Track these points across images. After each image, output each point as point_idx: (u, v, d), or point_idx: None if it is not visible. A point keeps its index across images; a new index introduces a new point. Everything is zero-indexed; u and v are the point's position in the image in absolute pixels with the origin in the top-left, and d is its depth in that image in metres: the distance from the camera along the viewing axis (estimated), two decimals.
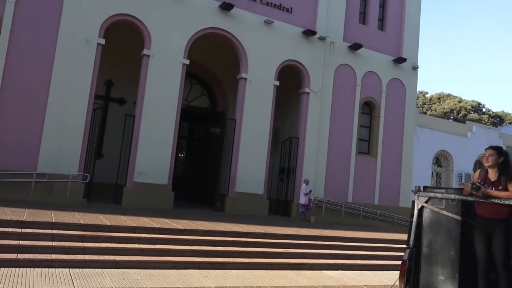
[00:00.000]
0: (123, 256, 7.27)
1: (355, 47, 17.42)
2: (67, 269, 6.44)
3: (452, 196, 4.98)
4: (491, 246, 4.65)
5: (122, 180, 13.38)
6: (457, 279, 4.81)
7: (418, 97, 45.96)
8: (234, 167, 14.89)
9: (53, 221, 7.87)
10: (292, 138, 16.70)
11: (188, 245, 8.28)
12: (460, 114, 42.46)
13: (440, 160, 21.83)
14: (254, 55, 15.33)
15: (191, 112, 17.92)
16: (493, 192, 4.61)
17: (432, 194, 5.21)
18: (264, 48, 15.54)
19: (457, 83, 78.83)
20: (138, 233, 8.32)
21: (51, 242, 7.16)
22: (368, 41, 17.98)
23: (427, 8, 65.76)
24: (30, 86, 12.02)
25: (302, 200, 15.29)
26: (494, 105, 74.80)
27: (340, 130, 17.10)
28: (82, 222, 8.11)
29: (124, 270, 6.82)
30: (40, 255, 6.67)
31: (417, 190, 5.41)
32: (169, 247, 7.96)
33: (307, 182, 15.42)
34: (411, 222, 5.35)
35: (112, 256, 7.16)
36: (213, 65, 17.48)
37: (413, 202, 5.42)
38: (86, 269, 6.60)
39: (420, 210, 5.30)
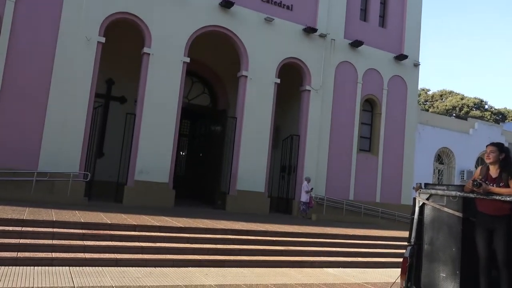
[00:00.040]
0: (124, 254, 7.27)
1: (356, 44, 17.36)
2: (67, 268, 6.44)
3: (453, 193, 4.95)
4: (493, 243, 4.63)
5: (123, 178, 13.39)
6: (458, 276, 4.79)
7: (420, 94, 45.82)
8: (235, 165, 14.89)
9: (54, 219, 7.88)
10: (293, 136, 16.68)
11: (188, 243, 8.28)
12: (463, 111, 42.33)
13: (442, 157, 21.76)
14: (254, 53, 15.29)
15: (192, 110, 17.91)
16: (495, 188, 4.58)
17: (433, 191, 5.19)
18: (265, 46, 15.50)
19: (460, 80, 78.65)
20: (138, 231, 8.31)
21: (51, 240, 7.16)
22: (369, 38, 17.92)
23: (428, 1, 65.44)
24: (31, 85, 12.02)
25: (304, 197, 15.28)
26: (496, 102, 74.60)
27: (341, 127, 17.06)
28: (82, 221, 8.12)
29: (125, 268, 6.82)
30: (40, 253, 6.67)
31: (418, 187, 5.39)
32: (169, 245, 7.96)
33: (308, 180, 15.40)
34: (412, 219, 5.33)
35: (113, 254, 7.16)
36: (213, 63, 17.46)
37: (414, 199, 5.40)
38: (87, 267, 6.60)
39: (421, 207, 5.28)
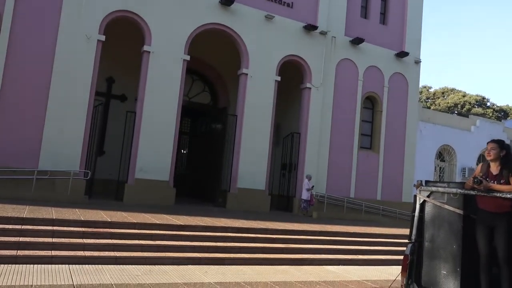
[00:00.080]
0: (123, 252, 7.27)
1: (356, 41, 17.31)
2: (66, 266, 6.44)
3: (454, 190, 4.94)
4: (493, 240, 4.61)
5: (123, 176, 13.40)
6: (459, 274, 4.78)
7: (421, 91, 45.71)
8: (236, 163, 14.88)
9: (53, 217, 7.89)
10: (293, 134, 16.66)
11: (188, 241, 8.28)
12: (464, 109, 42.22)
13: (443, 154, 21.71)
14: (255, 51, 15.26)
15: (193, 108, 17.90)
16: (495, 185, 4.57)
17: (434, 189, 5.17)
18: (265, 43, 15.47)
19: (461, 78, 78.42)
20: (138, 229, 8.32)
21: (51, 238, 7.17)
22: (370, 35, 17.87)
23: None
24: (31, 83, 12.03)
25: (305, 195, 15.27)
26: (498, 99, 74.37)
27: (342, 125, 17.03)
28: (82, 219, 8.13)
29: (124, 266, 6.82)
30: (40, 251, 6.68)
31: (419, 185, 5.37)
32: (169, 243, 7.96)
33: (309, 178, 15.39)
34: (413, 216, 5.32)
35: (112, 252, 7.17)
36: (214, 61, 17.44)
37: (415, 196, 5.38)
38: (86, 265, 6.60)
39: (422, 205, 5.26)
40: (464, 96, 44.09)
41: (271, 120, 15.49)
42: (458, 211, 4.91)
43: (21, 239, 6.93)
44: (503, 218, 4.54)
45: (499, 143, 4.81)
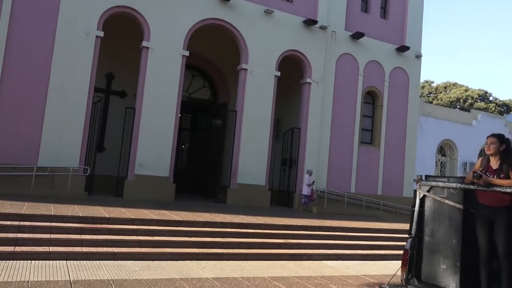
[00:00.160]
0: (121, 248, 7.27)
1: (357, 36, 17.22)
2: (64, 261, 6.45)
3: (454, 185, 4.92)
4: (493, 234, 4.60)
5: (123, 172, 13.41)
6: (459, 268, 4.78)
7: (424, 86, 45.52)
8: (236, 158, 14.86)
9: (52, 214, 7.89)
10: (294, 129, 16.61)
11: (187, 237, 8.27)
12: (467, 103, 42.03)
13: (445, 149, 21.63)
14: (254, 46, 15.20)
15: (193, 104, 17.88)
16: (495, 180, 4.55)
17: (434, 183, 5.16)
18: (265, 38, 15.40)
19: (464, 72, 78.03)
20: (137, 225, 8.32)
21: (49, 234, 7.17)
22: (370, 29, 17.76)
23: None
24: (30, 79, 12.02)
25: (305, 191, 15.24)
26: (501, 93, 73.99)
27: (342, 120, 16.97)
28: (80, 215, 8.13)
29: (122, 262, 6.82)
30: (38, 247, 6.68)
31: (419, 179, 5.35)
32: (167, 239, 7.96)
33: (310, 173, 15.36)
34: (413, 211, 5.31)
35: (110, 248, 7.17)
36: (214, 57, 17.38)
37: (415, 191, 5.37)
38: (84, 261, 6.61)
39: (422, 199, 5.25)
40: (466, 90, 43.88)
41: (271, 116, 15.45)
42: (458, 205, 4.90)
43: (19, 235, 6.94)
44: (503, 213, 4.52)
45: (499, 137, 4.78)
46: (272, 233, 9.40)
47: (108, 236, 7.60)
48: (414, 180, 5.50)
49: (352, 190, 16.93)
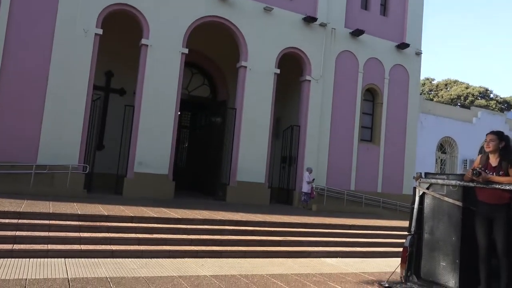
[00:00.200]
0: (120, 246, 7.26)
1: (357, 33, 17.16)
2: (62, 259, 6.44)
3: (453, 182, 4.92)
4: (492, 232, 4.59)
5: (122, 170, 13.40)
6: (458, 265, 4.78)
7: (424, 83, 45.44)
8: (235, 156, 14.85)
9: (50, 211, 7.89)
10: (293, 126, 16.59)
11: (185, 234, 8.26)
12: (468, 101, 41.95)
13: (445, 146, 21.60)
14: (254, 43, 15.16)
15: (193, 101, 17.85)
16: (494, 177, 4.55)
17: (433, 181, 5.15)
18: (264, 36, 15.36)
19: (464, 69, 77.87)
20: (135, 222, 8.31)
21: (47, 232, 7.17)
22: (370, 27, 17.71)
23: None
24: (29, 77, 12.00)
25: (305, 188, 15.23)
26: (502, 90, 73.87)
27: (342, 117, 16.94)
28: (79, 213, 8.12)
29: (120, 259, 6.82)
30: (36, 245, 6.67)
31: (418, 177, 5.34)
32: (166, 236, 7.95)
33: (310, 171, 15.34)
34: (413, 208, 5.31)
35: (109, 246, 7.16)
36: (213, 54, 17.35)
37: (415, 188, 5.36)
38: (82, 259, 6.60)
39: (422, 197, 5.25)
40: (467, 88, 43.79)
41: (270, 113, 15.42)
42: (457, 203, 4.89)
43: (17, 233, 6.93)
44: (502, 210, 4.52)
45: (498, 135, 4.77)
46: (271, 230, 9.39)
47: (107, 234, 7.60)
48: (414, 178, 5.50)
49: (352, 187, 16.92)
